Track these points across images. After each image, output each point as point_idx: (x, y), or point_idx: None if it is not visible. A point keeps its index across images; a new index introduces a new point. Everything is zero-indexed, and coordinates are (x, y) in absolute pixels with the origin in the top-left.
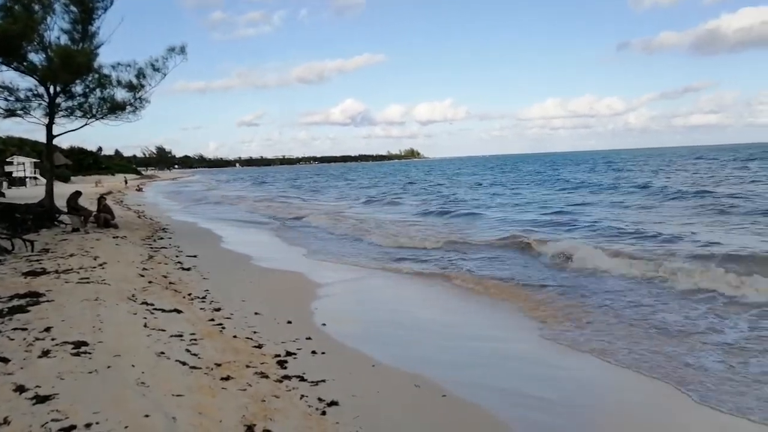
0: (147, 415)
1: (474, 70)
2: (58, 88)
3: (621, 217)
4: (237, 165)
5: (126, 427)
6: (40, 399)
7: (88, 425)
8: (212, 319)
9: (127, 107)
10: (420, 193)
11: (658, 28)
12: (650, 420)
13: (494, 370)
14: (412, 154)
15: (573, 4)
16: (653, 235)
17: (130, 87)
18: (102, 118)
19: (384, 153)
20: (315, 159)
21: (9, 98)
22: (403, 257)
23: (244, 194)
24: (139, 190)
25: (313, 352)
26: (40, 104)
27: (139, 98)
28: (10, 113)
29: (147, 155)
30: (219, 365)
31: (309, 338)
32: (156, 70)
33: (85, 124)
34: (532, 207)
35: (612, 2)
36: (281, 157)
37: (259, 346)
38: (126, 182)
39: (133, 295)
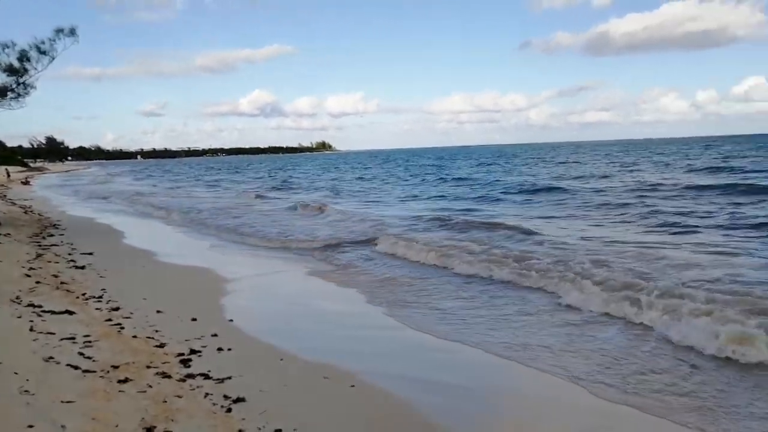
0: (31, 426)
1: (383, 65)
2: None
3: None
4: (139, 157)
5: None
6: None
7: None
8: (109, 320)
9: (8, 93)
10: (286, 188)
11: (555, 29)
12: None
13: (399, 357)
14: (323, 146)
15: (478, 2)
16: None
17: (11, 71)
18: None
19: (295, 145)
20: (223, 151)
21: None
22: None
23: (142, 188)
24: (26, 183)
25: (219, 349)
26: None
27: (23, 83)
28: None
29: (35, 146)
30: (116, 367)
31: (215, 335)
32: (42, 53)
33: None
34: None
35: (513, 2)
36: (187, 149)
37: (161, 346)
38: (7, 174)
39: (17, 297)
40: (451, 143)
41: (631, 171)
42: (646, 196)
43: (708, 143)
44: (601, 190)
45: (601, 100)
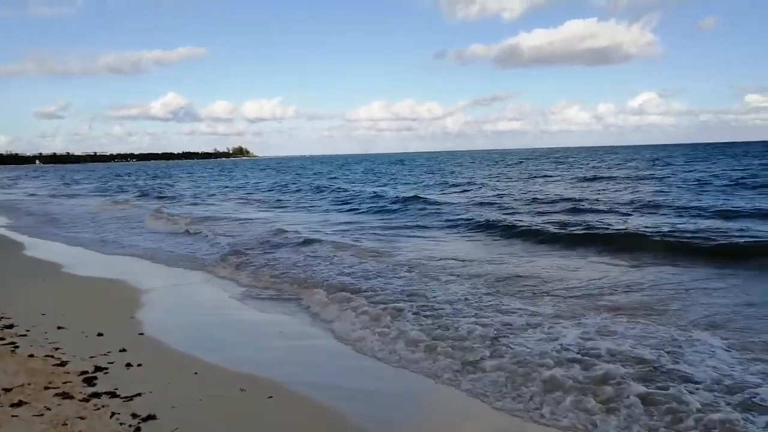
0: None
1: (301, 70)
2: None
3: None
4: (37, 162)
5: None
6: None
7: None
8: (2, 338)
9: None
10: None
11: (469, 41)
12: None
13: (319, 366)
14: (240, 152)
15: (394, 12)
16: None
17: None
18: None
19: (210, 150)
20: (133, 156)
21: None
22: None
23: (40, 192)
24: None
25: (128, 365)
26: None
27: None
28: None
29: None
30: (8, 390)
31: (123, 350)
32: None
33: None
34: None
35: (429, 13)
36: (92, 154)
37: (62, 364)
38: None
39: None
40: (370, 150)
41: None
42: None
43: (607, 152)
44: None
45: (512, 110)
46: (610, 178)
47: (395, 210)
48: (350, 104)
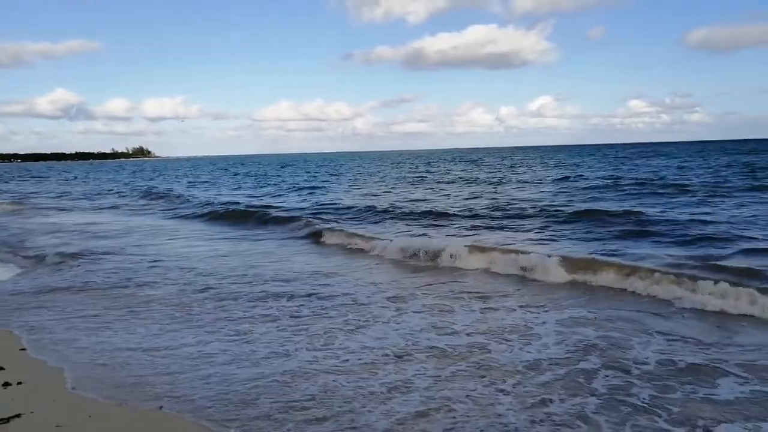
0: None
1: (205, 69)
2: None
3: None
4: None
5: None
6: None
7: None
8: None
9: None
10: None
11: (375, 43)
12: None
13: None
14: (141, 152)
15: (300, 12)
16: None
17: None
18: None
19: (108, 150)
20: (17, 156)
21: None
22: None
23: None
24: None
25: (6, 384)
26: None
27: None
28: None
29: None
30: None
31: (1, 368)
32: None
33: None
34: None
35: (335, 14)
36: None
37: None
38: None
39: None
40: (278, 150)
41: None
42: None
43: (509, 153)
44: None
45: (420, 111)
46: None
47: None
48: (258, 104)
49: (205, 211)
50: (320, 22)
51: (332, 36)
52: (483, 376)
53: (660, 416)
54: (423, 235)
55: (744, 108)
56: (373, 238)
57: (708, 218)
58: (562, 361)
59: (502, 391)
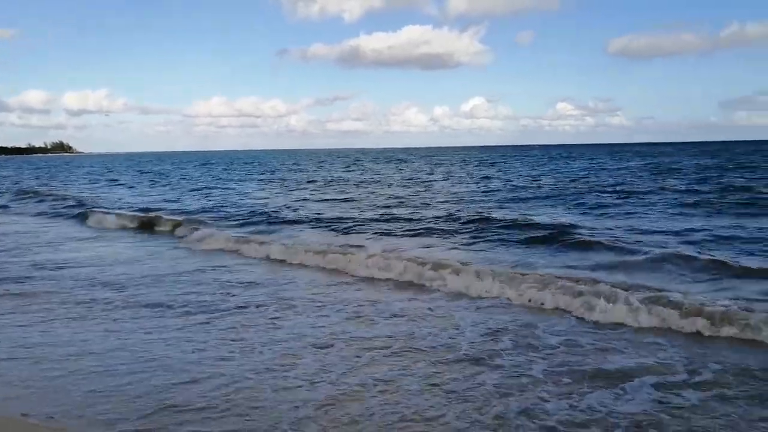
0: None
1: (132, 62)
2: None
3: None
4: None
5: None
6: None
7: None
8: None
9: None
10: None
11: (311, 40)
12: None
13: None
14: (61, 147)
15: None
16: None
17: None
18: None
19: (23, 145)
20: None
21: None
22: None
23: None
24: None
25: None
26: None
27: None
28: None
29: None
30: None
31: None
32: None
33: None
34: None
35: (270, 10)
36: None
37: None
38: None
39: None
40: (210, 147)
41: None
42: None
43: (438, 153)
44: None
45: (356, 110)
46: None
47: None
48: (189, 99)
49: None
50: (255, 17)
51: (267, 32)
52: None
53: None
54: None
55: (659, 113)
56: None
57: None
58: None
59: None
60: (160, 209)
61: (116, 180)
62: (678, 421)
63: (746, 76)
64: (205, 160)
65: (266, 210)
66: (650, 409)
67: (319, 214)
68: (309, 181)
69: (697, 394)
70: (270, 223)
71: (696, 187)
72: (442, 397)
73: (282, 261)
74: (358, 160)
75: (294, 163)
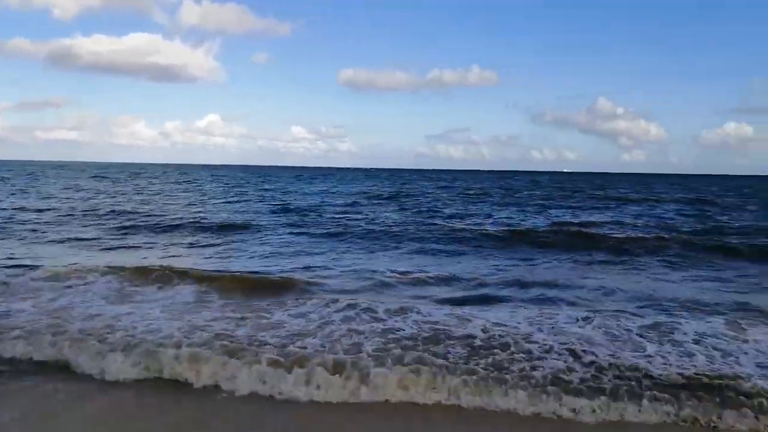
0: None
1: None
2: None
3: None
4: None
5: None
6: None
7: None
8: None
9: None
10: None
11: (12, 33)
12: None
13: None
14: None
15: None
16: None
17: None
18: None
19: None
20: None
21: None
22: None
23: None
24: None
25: None
26: None
27: None
28: None
29: None
30: None
31: None
32: None
33: None
34: None
35: None
36: None
37: None
38: None
39: None
40: None
41: None
42: None
43: (164, 170)
44: None
45: (74, 118)
46: None
47: None
48: None
49: None
50: None
51: None
52: None
53: None
54: None
55: (384, 140)
56: None
57: None
58: None
59: None
60: None
61: None
62: None
63: (444, 113)
64: None
65: None
66: None
67: None
68: None
69: None
70: None
71: None
72: None
73: None
74: (60, 176)
75: None
